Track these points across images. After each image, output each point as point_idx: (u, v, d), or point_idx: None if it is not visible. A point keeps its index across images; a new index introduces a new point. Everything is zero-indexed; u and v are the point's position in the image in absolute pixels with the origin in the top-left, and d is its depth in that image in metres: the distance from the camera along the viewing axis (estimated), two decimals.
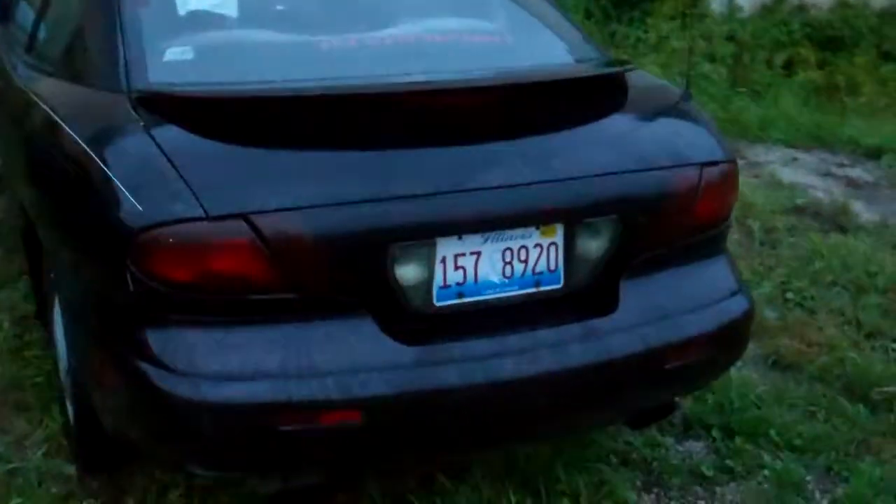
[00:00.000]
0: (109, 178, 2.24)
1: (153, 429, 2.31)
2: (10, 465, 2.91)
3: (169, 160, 2.20)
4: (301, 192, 2.20)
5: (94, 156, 2.32)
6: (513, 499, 2.74)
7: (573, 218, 2.42)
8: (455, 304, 2.35)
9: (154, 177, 2.21)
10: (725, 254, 2.77)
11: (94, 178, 2.31)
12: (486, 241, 2.35)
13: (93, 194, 2.30)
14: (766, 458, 3.05)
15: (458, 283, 2.35)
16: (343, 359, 2.23)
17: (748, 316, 2.70)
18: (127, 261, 2.20)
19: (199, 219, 2.15)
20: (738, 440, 3.11)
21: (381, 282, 2.26)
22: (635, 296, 2.50)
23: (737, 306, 2.67)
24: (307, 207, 2.18)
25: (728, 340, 2.68)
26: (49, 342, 3.12)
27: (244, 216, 2.16)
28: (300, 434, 2.20)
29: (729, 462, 3.03)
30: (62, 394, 3.01)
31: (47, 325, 3.14)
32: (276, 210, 2.17)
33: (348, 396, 2.19)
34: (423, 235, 2.27)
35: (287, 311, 2.24)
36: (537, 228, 2.39)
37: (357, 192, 2.23)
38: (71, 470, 2.90)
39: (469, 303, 2.36)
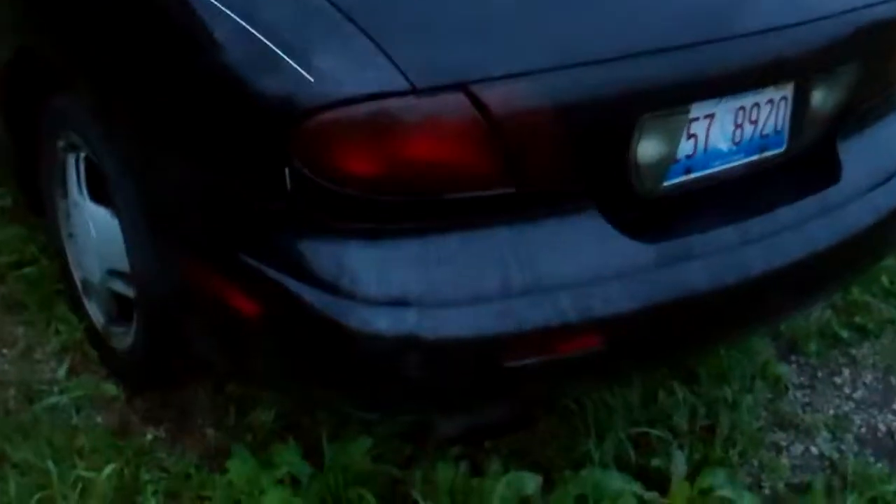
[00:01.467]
0: (257, 40, 1.56)
1: (313, 371, 1.75)
2: (32, 385, 2.26)
3: (347, 15, 1.55)
4: (533, 54, 1.60)
5: (224, 8, 1.62)
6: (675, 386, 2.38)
7: (816, 65, 1.93)
8: (681, 183, 1.84)
9: (329, 37, 1.55)
10: None
11: (227, 38, 1.62)
12: (721, 99, 1.83)
13: (224, 62, 1.62)
14: (892, 312, 2.79)
15: (687, 156, 1.83)
16: (574, 267, 1.70)
17: None
18: (289, 152, 1.57)
19: (402, 93, 1.53)
20: (854, 292, 2.82)
21: (618, 163, 1.72)
22: (854, 158, 2.07)
23: None
24: (542, 72, 1.59)
25: None
26: (52, 236, 2.41)
27: (464, 87, 1.55)
28: (525, 370, 1.68)
29: (858, 319, 2.75)
30: (75, 293, 2.35)
31: (41, 212, 2.42)
32: (504, 77, 1.57)
33: (588, 316, 1.69)
34: (678, 100, 1.73)
35: (502, 212, 1.68)
36: (772, 84, 1.89)
37: (602, 48, 1.65)
38: (113, 389, 2.29)
39: (695, 179, 1.85)
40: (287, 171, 1.58)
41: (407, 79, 1.53)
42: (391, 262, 1.63)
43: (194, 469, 2.10)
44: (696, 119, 1.80)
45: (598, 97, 1.64)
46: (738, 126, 1.88)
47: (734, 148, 1.90)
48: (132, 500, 2.03)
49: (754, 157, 1.93)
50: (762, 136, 1.93)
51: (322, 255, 1.64)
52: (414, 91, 1.53)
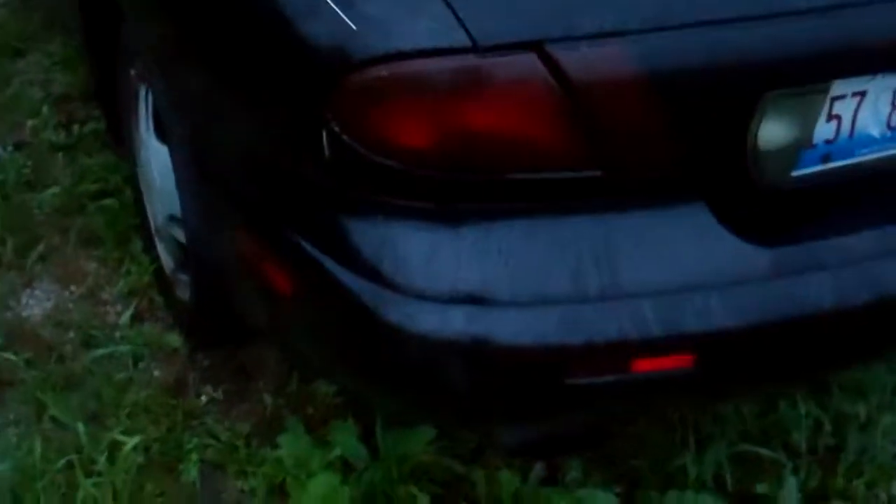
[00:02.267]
0: None
1: (347, 365, 1.53)
2: (91, 331, 2.14)
3: None
4: (628, 9, 1.29)
5: None
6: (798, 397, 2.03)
7: None
8: (818, 173, 1.49)
9: None
10: None
11: None
12: (876, 76, 1.48)
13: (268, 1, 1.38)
14: None
15: (826, 142, 1.48)
16: (667, 270, 1.41)
17: None
18: (327, 114, 1.32)
19: (461, 50, 1.26)
20: None
21: (734, 148, 1.40)
22: None
23: None
24: (639, 32, 1.29)
25: None
26: (130, 167, 2.26)
27: (537, 46, 1.27)
28: (592, 389, 1.42)
29: None
30: (149, 231, 2.20)
31: (121, 141, 2.26)
32: (590, 37, 1.28)
33: (677, 331, 1.40)
34: (817, 76, 1.40)
35: (584, 199, 1.40)
36: None
37: (718, 7, 1.32)
38: (175, 341, 2.13)
39: (835, 169, 1.51)
40: (325, 134, 1.34)
41: (468, 33, 1.25)
42: (442, 250, 1.37)
43: (243, 440, 1.94)
44: (842, 97, 1.46)
45: (711, 68, 1.31)
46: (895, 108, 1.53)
47: (889, 134, 1.54)
48: (172, 467, 1.89)
49: None
50: None
51: (363, 235, 1.39)
52: (475, 48, 1.25)
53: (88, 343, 2.10)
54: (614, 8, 1.28)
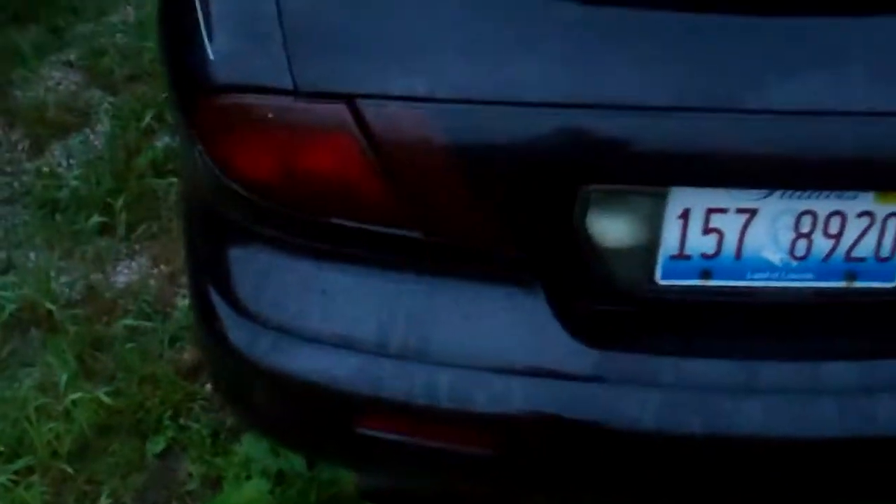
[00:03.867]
0: (194, 8, 1.46)
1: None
2: (148, 305, 2.39)
3: (277, 3, 1.38)
4: (444, 79, 1.29)
5: None
6: None
7: None
8: (694, 288, 1.39)
9: (246, 20, 1.40)
10: None
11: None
12: (768, 195, 1.35)
13: (177, 23, 1.54)
14: None
15: (704, 255, 1.37)
16: (476, 347, 1.38)
17: None
18: (193, 131, 1.45)
19: (282, 91, 1.33)
20: None
21: (563, 238, 1.35)
22: None
23: None
24: (447, 102, 1.29)
25: None
26: None
27: (348, 98, 1.31)
28: (384, 443, 1.42)
29: None
30: None
31: None
32: (397, 98, 1.30)
33: (465, 409, 1.37)
34: (638, 178, 1.31)
35: (411, 257, 1.41)
36: (873, 190, 1.35)
37: (532, 87, 1.26)
38: None
39: (721, 289, 1.39)
40: (197, 153, 1.46)
41: (293, 77, 1.32)
42: (274, 277, 1.45)
43: (220, 431, 2.08)
44: (722, 211, 1.35)
45: (518, 150, 1.27)
46: (802, 235, 1.37)
47: (793, 263, 1.39)
48: (145, 435, 2.07)
49: (836, 283, 1.40)
50: (849, 259, 1.38)
51: (221, 252, 1.50)
52: (295, 92, 1.31)
53: (139, 314, 2.35)
54: (430, 76, 1.29)
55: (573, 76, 1.26)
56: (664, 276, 1.38)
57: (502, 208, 1.32)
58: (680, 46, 1.28)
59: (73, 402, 2.06)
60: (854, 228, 1.36)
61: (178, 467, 2.03)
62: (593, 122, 1.26)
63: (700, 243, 1.36)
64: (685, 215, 1.34)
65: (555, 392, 1.36)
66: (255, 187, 1.40)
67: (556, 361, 1.36)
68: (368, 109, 1.29)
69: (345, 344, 1.39)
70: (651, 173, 1.29)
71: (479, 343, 1.38)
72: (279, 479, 1.95)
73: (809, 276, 1.40)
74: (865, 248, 1.38)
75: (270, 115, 1.33)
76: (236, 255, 1.49)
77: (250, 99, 1.34)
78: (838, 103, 1.27)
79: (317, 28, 1.34)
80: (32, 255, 2.50)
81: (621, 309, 1.41)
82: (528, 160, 1.28)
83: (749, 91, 1.26)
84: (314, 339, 1.40)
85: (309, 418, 1.46)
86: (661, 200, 1.33)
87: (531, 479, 1.46)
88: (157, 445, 2.05)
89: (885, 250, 1.38)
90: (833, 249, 1.38)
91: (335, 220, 1.39)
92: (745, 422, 1.35)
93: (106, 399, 2.08)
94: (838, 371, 1.38)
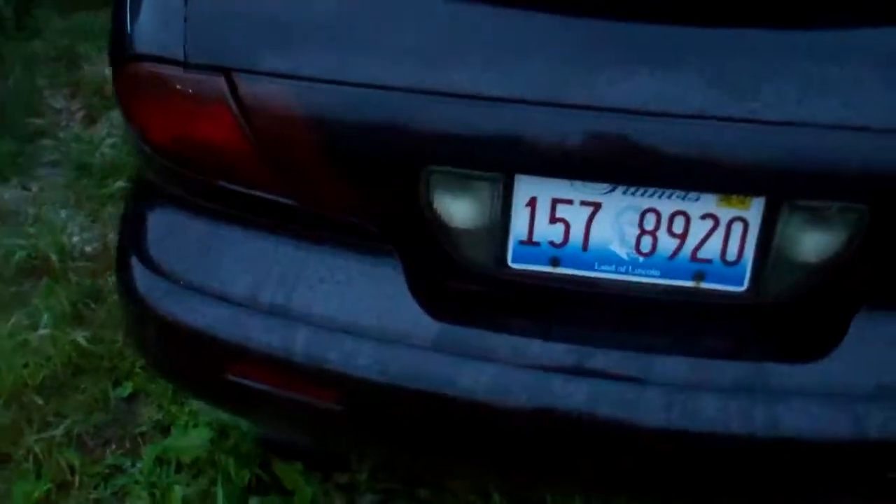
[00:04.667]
0: None
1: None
2: None
3: None
4: (312, 59, 1.39)
5: None
6: None
7: (791, 190, 1.38)
8: (543, 273, 1.47)
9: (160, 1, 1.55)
10: None
11: None
12: (611, 191, 1.41)
13: (118, 3, 1.70)
14: None
15: (552, 244, 1.45)
16: (336, 310, 1.49)
17: None
18: (119, 96, 1.61)
19: (174, 62, 1.47)
20: None
21: (412, 213, 1.44)
22: (877, 342, 1.43)
23: None
24: (307, 79, 1.38)
25: None
26: None
27: (226, 72, 1.44)
28: (250, 391, 1.53)
29: None
30: None
31: None
32: (267, 73, 1.42)
33: (318, 365, 1.47)
34: (488, 165, 1.40)
35: (284, 222, 1.52)
36: (715, 193, 1.40)
37: (382, 72, 1.36)
38: None
39: (566, 276, 1.46)
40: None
41: (184, 51, 1.45)
42: (173, 234, 1.59)
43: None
44: (567, 202, 1.41)
45: (370, 128, 1.37)
46: (647, 232, 1.42)
47: (639, 259, 1.44)
48: (116, 380, 2.25)
49: (683, 283, 1.45)
50: (695, 259, 1.43)
51: (140, 207, 1.66)
52: (185, 64, 1.45)
53: None
54: (295, 54, 1.39)
55: (420, 64, 1.36)
56: (514, 261, 1.46)
57: (358, 183, 1.43)
58: (524, 42, 1.35)
59: (53, 342, 2.26)
60: (698, 230, 1.41)
61: (139, 412, 2.20)
62: (434, 108, 1.35)
63: (548, 231, 1.44)
64: (532, 203, 1.42)
65: (398, 358, 1.45)
66: (157, 149, 1.55)
67: (403, 330, 1.45)
68: (242, 83, 1.42)
69: (222, 297, 1.53)
70: (491, 160, 1.37)
71: (338, 306, 1.48)
72: (222, 431, 2.10)
73: (656, 272, 1.45)
74: (711, 250, 1.42)
75: (162, 83, 1.48)
76: (148, 211, 1.64)
77: (150, 67, 1.49)
78: (675, 106, 1.31)
79: (212, 8, 1.47)
80: (63, 213, 2.74)
81: (474, 288, 1.49)
82: (376, 139, 1.38)
83: (586, 88, 1.32)
84: (199, 291, 1.54)
85: (190, 362, 1.60)
86: (508, 187, 1.41)
87: (373, 437, 1.56)
88: (124, 390, 2.23)
89: (732, 254, 1.42)
90: (679, 248, 1.43)
91: (221, 184, 1.53)
92: (569, 403, 1.42)
93: (84, 343, 2.27)
94: (669, 366, 1.43)
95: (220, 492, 1.95)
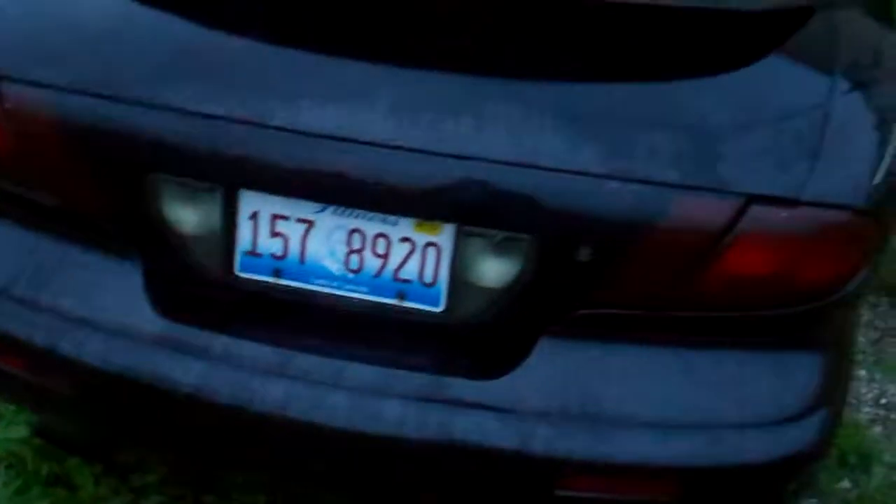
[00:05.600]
0: None
1: None
2: None
3: None
4: (57, 69, 1.57)
5: None
6: None
7: (469, 219, 1.53)
8: (267, 284, 1.62)
9: None
10: (810, 350, 1.65)
11: None
12: (322, 210, 1.57)
13: None
14: None
15: (274, 256, 1.61)
16: (78, 299, 1.64)
17: (793, 461, 1.60)
18: None
19: None
20: None
21: (143, 217, 1.59)
22: (557, 365, 1.57)
23: (771, 442, 1.58)
24: (55, 88, 1.55)
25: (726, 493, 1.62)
26: None
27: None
28: (5, 375, 1.70)
29: None
30: None
31: None
32: (19, 81, 1.57)
33: (53, 349, 1.62)
34: (208, 177, 1.55)
35: (43, 218, 1.68)
36: (411, 218, 1.55)
37: (114, 85, 1.54)
38: None
39: (287, 287, 1.61)
40: None
41: None
42: None
43: None
44: (285, 217, 1.57)
45: (102, 135, 1.55)
46: (354, 251, 1.58)
47: (348, 275, 1.59)
48: None
49: (388, 300, 1.60)
50: (398, 279, 1.58)
51: None
52: None
53: None
54: (50, 65, 1.57)
55: (145, 79, 1.54)
56: (242, 270, 1.62)
57: (98, 187, 1.60)
58: (238, 64, 1.54)
59: None
60: (398, 251, 1.57)
61: None
62: (156, 120, 1.52)
63: (269, 244, 1.60)
64: (255, 217, 1.58)
65: (121, 350, 1.60)
66: None
67: (130, 325, 1.61)
68: (7, 88, 1.60)
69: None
70: (210, 173, 1.54)
71: (79, 297, 1.65)
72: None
73: (365, 288, 1.60)
74: (410, 271, 1.58)
75: None
76: None
77: None
78: (364, 133, 1.48)
79: (4, 23, 1.67)
80: None
81: (207, 293, 1.65)
82: (109, 146, 1.56)
83: (289, 111, 1.50)
84: None
85: None
86: (232, 200, 1.57)
87: (105, 422, 1.70)
88: None
89: (428, 276, 1.57)
90: (382, 268, 1.58)
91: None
92: (266, 400, 1.56)
93: None
94: (361, 374, 1.57)
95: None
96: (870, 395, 2.63)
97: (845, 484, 2.34)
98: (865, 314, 2.91)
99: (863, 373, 2.70)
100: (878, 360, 2.75)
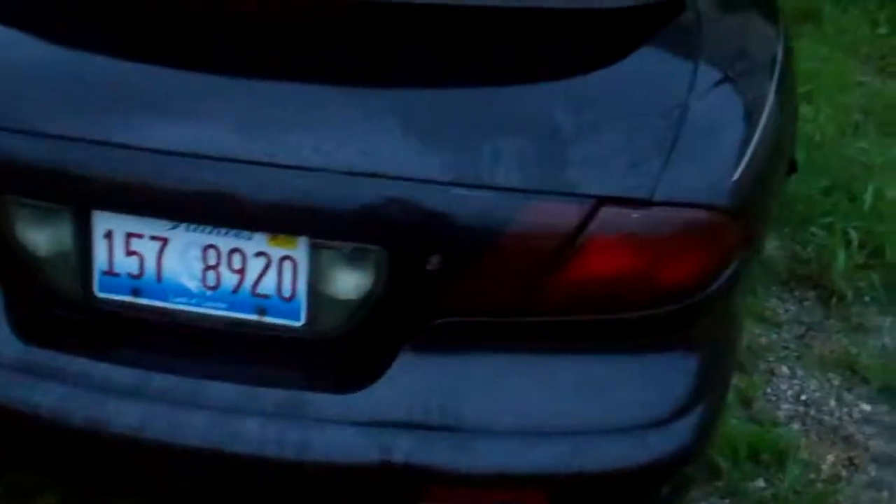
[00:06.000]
0: None
1: None
2: None
3: None
4: None
5: None
6: None
7: (317, 231, 1.51)
8: (126, 303, 1.59)
9: None
10: (676, 351, 1.62)
11: None
12: (175, 227, 1.55)
13: None
14: None
15: (131, 275, 1.58)
16: None
17: (656, 469, 1.58)
18: None
19: None
20: None
21: (2, 244, 1.57)
22: (417, 375, 1.54)
23: (634, 448, 1.56)
24: None
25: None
26: None
27: None
28: None
29: None
30: None
31: None
32: None
33: None
34: (56, 198, 1.53)
35: None
36: (265, 232, 1.53)
37: None
38: None
39: (148, 307, 1.59)
40: None
41: None
42: None
43: None
44: (139, 236, 1.55)
45: None
46: (210, 267, 1.56)
47: (207, 293, 1.57)
48: None
49: (248, 316, 1.57)
50: (256, 294, 1.56)
51: None
52: None
53: None
54: None
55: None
56: (101, 290, 1.59)
57: None
58: (79, 81, 1.52)
59: None
60: (255, 266, 1.55)
61: None
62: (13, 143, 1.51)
63: (126, 263, 1.57)
64: (109, 236, 1.56)
65: None
66: None
67: None
68: None
69: None
70: (58, 193, 1.52)
71: None
72: None
73: (223, 305, 1.58)
74: (268, 286, 1.56)
75: None
76: None
77: None
78: (206, 148, 1.47)
79: None
80: None
81: (70, 314, 1.62)
82: None
83: (128, 129, 1.48)
84: None
85: None
86: (86, 220, 1.55)
87: None
88: None
89: (286, 290, 1.55)
90: (240, 283, 1.56)
91: None
92: (123, 421, 1.53)
93: None
94: (221, 392, 1.55)
95: None
96: (790, 392, 2.61)
97: (759, 483, 2.32)
98: (791, 309, 2.90)
99: (784, 369, 2.68)
100: (800, 356, 2.73)
